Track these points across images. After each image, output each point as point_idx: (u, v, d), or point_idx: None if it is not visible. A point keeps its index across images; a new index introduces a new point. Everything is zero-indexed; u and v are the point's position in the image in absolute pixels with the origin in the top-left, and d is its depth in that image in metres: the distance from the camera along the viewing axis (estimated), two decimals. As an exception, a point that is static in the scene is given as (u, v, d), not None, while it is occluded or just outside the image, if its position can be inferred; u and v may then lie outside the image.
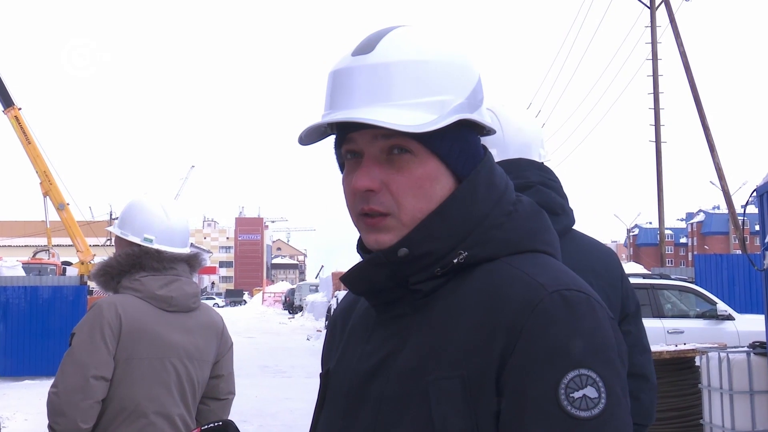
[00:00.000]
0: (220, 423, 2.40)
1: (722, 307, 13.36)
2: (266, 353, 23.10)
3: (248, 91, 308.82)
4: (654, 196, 25.66)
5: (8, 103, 26.69)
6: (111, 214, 59.44)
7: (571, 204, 2.50)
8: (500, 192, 1.29)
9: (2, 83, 26.34)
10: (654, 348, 8.11)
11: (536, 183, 2.36)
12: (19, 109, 26.97)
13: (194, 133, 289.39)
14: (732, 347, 8.04)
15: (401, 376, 1.21)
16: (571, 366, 1.11)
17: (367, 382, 1.26)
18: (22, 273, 23.08)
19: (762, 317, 7.43)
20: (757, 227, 7.29)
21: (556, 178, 2.47)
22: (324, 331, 28.56)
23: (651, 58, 26.14)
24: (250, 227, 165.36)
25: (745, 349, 7.26)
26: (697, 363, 8.10)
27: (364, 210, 1.25)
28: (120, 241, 3.15)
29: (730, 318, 13.18)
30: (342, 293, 28.33)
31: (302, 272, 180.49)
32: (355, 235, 1.35)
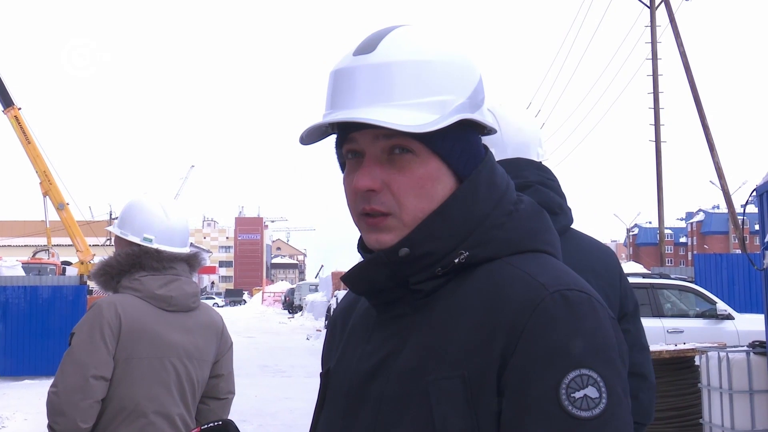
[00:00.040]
0: (220, 422, 2.39)
1: (722, 306, 13.36)
2: (266, 353, 23.10)
3: (248, 91, 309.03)
4: (654, 196, 25.69)
5: (8, 103, 26.70)
6: (111, 214, 59.44)
7: (571, 203, 2.51)
8: (501, 192, 1.29)
9: (2, 83, 26.35)
10: (654, 347, 8.12)
11: (535, 182, 2.37)
12: (19, 108, 26.98)
13: (194, 133, 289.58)
14: (731, 347, 8.03)
15: (402, 376, 1.21)
16: (572, 366, 1.11)
17: (367, 381, 1.26)
18: (21, 273, 23.07)
19: (762, 317, 7.43)
20: (757, 227, 7.28)
21: (555, 177, 2.47)
22: (323, 331, 28.59)
23: (651, 57, 26.15)
24: (249, 227, 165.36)
25: (745, 348, 7.26)
26: (697, 362, 8.10)
27: (365, 210, 1.25)
28: (120, 241, 3.15)
29: (729, 317, 13.18)
30: (342, 293, 28.33)
31: (302, 272, 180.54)
32: (355, 234, 1.34)
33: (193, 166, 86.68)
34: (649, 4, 25.95)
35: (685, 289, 13.88)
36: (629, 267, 20.71)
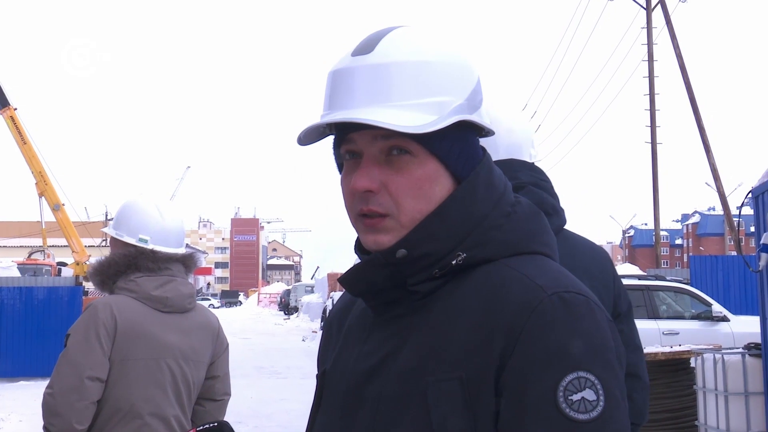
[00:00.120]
0: (215, 424, 2.39)
1: (717, 308, 13.37)
2: (262, 354, 23.08)
3: (244, 92, 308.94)
4: (650, 198, 25.77)
5: (4, 104, 26.68)
6: (106, 215, 59.40)
7: (567, 205, 2.51)
8: (499, 193, 1.29)
9: (-2, 84, 26.31)
10: (649, 349, 8.13)
11: (528, 183, 2.37)
12: (15, 109, 26.95)
13: (190, 134, 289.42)
14: (727, 348, 8.04)
15: (400, 377, 1.21)
16: (569, 368, 1.11)
17: (365, 382, 1.25)
18: (17, 274, 23.01)
19: (757, 318, 7.43)
20: (753, 228, 7.30)
21: (547, 178, 2.48)
22: (319, 332, 28.57)
23: (647, 59, 26.18)
24: (245, 228, 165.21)
25: (740, 350, 7.27)
26: (692, 364, 8.10)
27: (363, 211, 1.25)
28: (115, 242, 3.14)
29: (725, 319, 13.19)
30: (338, 294, 28.32)
31: (298, 273, 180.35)
32: (351, 236, 1.34)
33: (189, 166, 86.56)
34: (645, 6, 25.99)
35: (680, 290, 13.89)
36: (625, 269, 20.73)
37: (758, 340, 7.13)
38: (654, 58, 26.07)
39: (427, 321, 1.23)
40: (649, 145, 25.91)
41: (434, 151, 1.24)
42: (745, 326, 12.51)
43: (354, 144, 1.26)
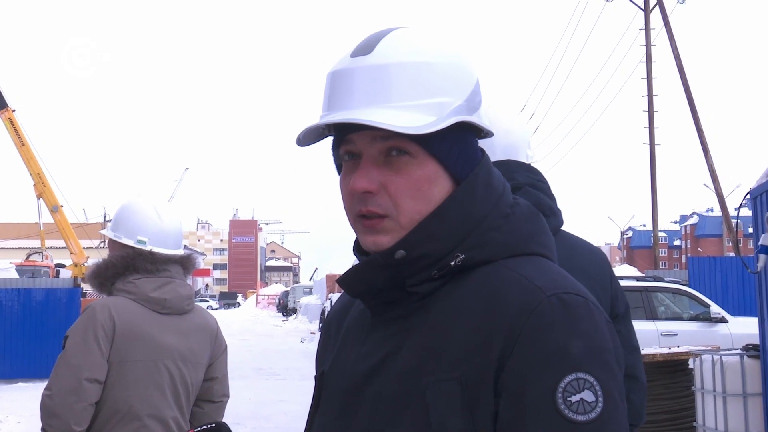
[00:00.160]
0: (213, 425, 2.39)
1: (716, 309, 13.38)
2: (260, 355, 23.07)
3: (243, 93, 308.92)
4: (648, 199, 25.74)
5: (2, 106, 26.67)
6: (105, 216, 59.38)
7: (566, 206, 2.52)
8: (498, 194, 1.29)
9: (-4, 86, 26.30)
10: (648, 350, 8.14)
11: (525, 184, 2.37)
12: (13, 111, 26.94)
13: (188, 135, 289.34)
14: (725, 350, 8.05)
15: (398, 378, 1.21)
16: (568, 369, 1.11)
17: (363, 383, 1.25)
18: (15, 275, 23.01)
19: (755, 320, 7.44)
20: (751, 230, 7.30)
21: (544, 179, 2.48)
22: (318, 334, 28.56)
23: (645, 60, 26.20)
24: (244, 229, 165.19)
25: (739, 351, 7.27)
26: (691, 365, 8.11)
27: (361, 211, 1.25)
28: (113, 244, 3.14)
29: (723, 320, 13.20)
30: (336, 295, 28.31)
31: (296, 274, 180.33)
32: (349, 237, 1.34)
33: (187, 168, 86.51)
34: (643, 7, 26.01)
35: (679, 292, 13.90)
36: (623, 270, 20.73)
37: (757, 341, 7.13)
38: (652, 60, 26.10)
39: (425, 322, 1.23)
40: (648, 146, 25.93)
41: (433, 152, 1.24)
42: (744, 327, 12.52)
43: (353, 145, 1.26)
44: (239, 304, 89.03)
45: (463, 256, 1.23)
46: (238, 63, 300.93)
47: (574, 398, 1.09)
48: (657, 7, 23.51)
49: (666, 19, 22.35)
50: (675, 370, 8.15)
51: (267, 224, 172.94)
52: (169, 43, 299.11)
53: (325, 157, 1.36)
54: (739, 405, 6.89)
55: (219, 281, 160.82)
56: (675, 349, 8.53)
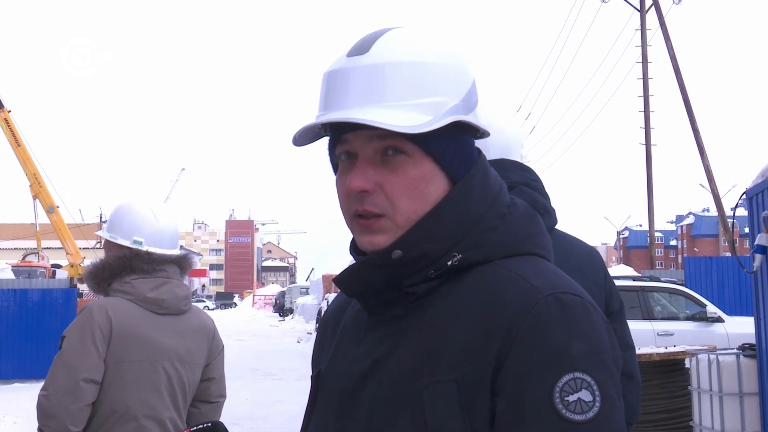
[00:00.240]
0: (209, 424, 2.39)
1: (712, 309, 13.40)
2: (257, 356, 23.05)
3: (239, 94, 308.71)
4: (644, 199, 25.76)
5: (-2, 106, 26.60)
6: (101, 217, 59.32)
7: (561, 207, 2.52)
8: (495, 194, 1.29)
9: (-9, 86, 26.26)
10: (644, 350, 8.14)
11: (519, 183, 2.37)
12: (9, 111, 26.90)
13: (185, 136, 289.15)
14: (721, 349, 8.06)
15: (395, 378, 1.21)
16: (566, 369, 1.11)
17: (360, 383, 1.25)
18: (11, 276, 22.96)
19: (751, 319, 7.44)
20: (747, 230, 7.30)
21: (538, 178, 2.48)
22: (314, 334, 28.55)
23: (641, 61, 26.23)
24: (240, 230, 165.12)
25: (735, 351, 7.28)
26: (687, 365, 8.12)
27: (358, 211, 1.24)
28: (110, 245, 3.14)
29: (719, 320, 13.22)
30: (332, 296, 28.30)
31: (293, 275, 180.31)
32: (346, 237, 1.34)
33: (183, 168, 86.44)
34: (639, 8, 26.04)
35: (675, 291, 13.92)
36: (619, 270, 20.74)
37: (753, 340, 7.14)
38: (648, 60, 26.13)
39: (422, 322, 1.23)
40: (644, 146, 25.95)
41: (429, 151, 1.24)
42: (740, 327, 12.54)
43: (349, 144, 1.25)
44: (236, 305, 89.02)
45: (460, 256, 1.23)
46: (234, 63, 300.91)
47: (572, 398, 1.09)
48: (653, 7, 23.52)
49: (662, 20, 22.37)
50: (671, 369, 8.15)
51: (263, 224, 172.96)
52: (168, 44, 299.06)
53: (321, 157, 1.36)
54: (736, 404, 6.89)
55: (215, 282, 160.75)
56: (671, 349, 8.54)
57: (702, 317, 13.32)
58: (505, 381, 1.13)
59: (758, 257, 6.50)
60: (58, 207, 28.43)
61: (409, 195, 1.23)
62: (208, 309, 72.92)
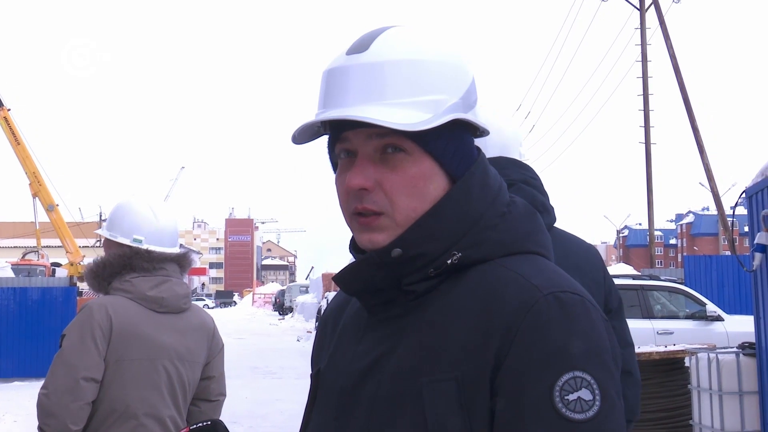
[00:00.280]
0: (209, 422, 2.39)
1: (711, 308, 13.39)
2: (256, 354, 23.06)
3: (239, 92, 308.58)
4: (644, 198, 25.76)
5: (-2, 104, 26.60)
6: (101, 215, 59.30)
7: (561, 205, 2.53)
8: (494, 193, 1.29)
9: (-9, 84, 26.26)
10: (644, 349, 8.15)
11: (518, 181, 2.37)
12: (9, 110, 26.90)
13: (184, 134, 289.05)
14: (721, 348, 8.05)
15: (395, 377, 1.21)
16: (565, 368, 1.11)
17: (360, 382, 1.25)
18: (11, 274, 22.96)
19: (751, 318, 7.44)
20: (747, 228, 7.30)
21: (537, 176, 2.48)
22: (314, 333, 28.52)
23: (641, 59, 26.22)
24: (240, 228, 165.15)
25: (735, 349, 7.27)
26: (687, 364, 8.12)
27: (357, 209, 1.24)
28: (109, 243, 3.14)
29: (719, 319, 13.22)
30: (332, 294, 28.29)
31: (292, 273, 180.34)
32: (346, 236, 1.34)
33: (183, 167, 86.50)
34: (639, 7, 26.03)
35: (674, 290, 13.91)
36: (619, 268, 20.77)
37: (752, 339, 7.14)
38: (648, 59, 26.12)
39: (422, 321, 1.22)
40: (643, 145, 25.95)
41: (429, 149, 1.24)
42: (739, 326, 12.53)
43: (349, 142, 1.25)
44: (235, 303, 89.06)
45: (460, 254, 1.23)
46: (234, 62, 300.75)
47: (572, 397, 1.09)
48: (652, 6, 23.51)
49: (661, 18, 22.36)
50: (671, 368, 8.15)
51: (263, 223, 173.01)
52: (167, 44, 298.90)
53: (321, 155, 1.35)
54: (735, 403, 6.89)
55: (215, 280, 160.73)
56: (671, 348, 8.53)
57: (702, 316, 13.32)
58: (504, 380, 1.13)
59: (758, 256, 6.50)
60: (57, 205, 28.45)
61: (409, 193, 1.23)
62: (208, 307, 72.93)
